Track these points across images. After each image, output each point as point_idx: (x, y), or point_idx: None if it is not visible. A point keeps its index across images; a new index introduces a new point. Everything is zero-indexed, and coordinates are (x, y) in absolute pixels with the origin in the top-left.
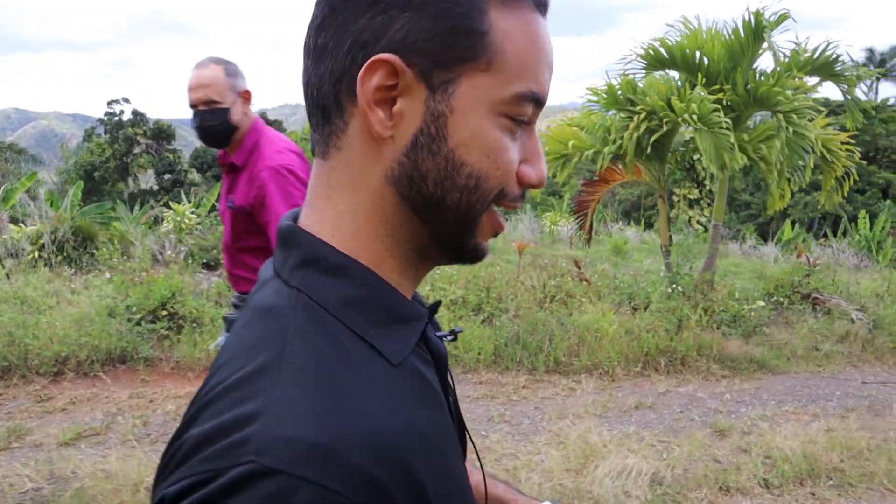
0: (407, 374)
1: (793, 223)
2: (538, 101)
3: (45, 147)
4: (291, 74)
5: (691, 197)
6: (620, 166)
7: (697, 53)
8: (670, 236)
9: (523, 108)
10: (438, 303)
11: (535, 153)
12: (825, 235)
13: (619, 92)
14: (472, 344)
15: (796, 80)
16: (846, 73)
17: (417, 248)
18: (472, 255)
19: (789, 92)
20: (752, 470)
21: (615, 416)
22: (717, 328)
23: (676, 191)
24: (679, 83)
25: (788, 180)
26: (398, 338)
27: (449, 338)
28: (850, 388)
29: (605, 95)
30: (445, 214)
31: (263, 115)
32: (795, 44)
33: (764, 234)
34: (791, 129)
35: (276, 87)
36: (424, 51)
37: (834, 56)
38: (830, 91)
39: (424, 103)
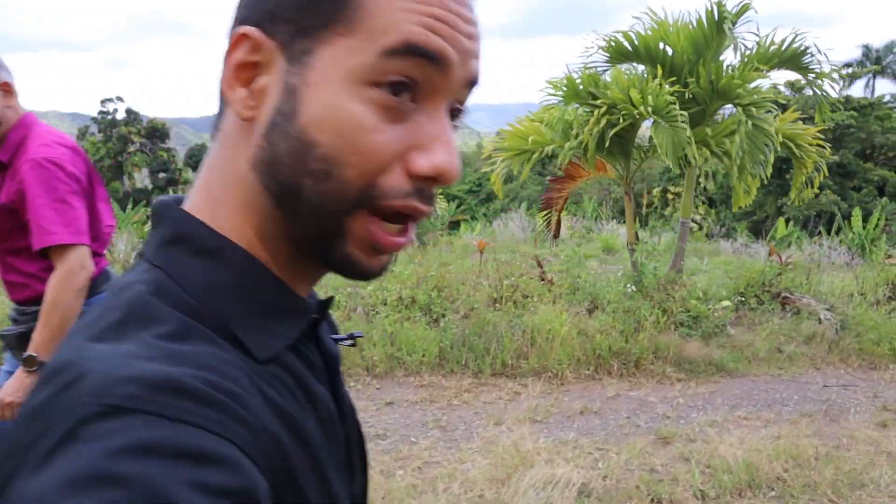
0: (274, 370)
1: (787, 221)
2: (426, 56)
3: None
4: None
5: None
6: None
7: (662, 45)
8: (636, 234)
9: (401, 66)
10: (331, 298)
11: (434, 137)
12: (820, 233)
13: (581, 85)
14: (415, 346)
15: (765, 72)
16: (814, 67)
17: (292, 244)
18: (342, 266)
19: (761, 84)
20: (689, 480)
21: (557, 422)
22: (676, 329)
23: (671, 188)
24: (645, 76)
25: (753, 176)
26: (270, 332)
27: (347, 342)
28: (810, 392)
29: (564, 88)
30: (300, 207)
31: None
32: (756, 35)
33: (759, 232)
34: (750, 123)
35: None
36: (288, 20)
37: (801, 48)
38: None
39: (282, 78)
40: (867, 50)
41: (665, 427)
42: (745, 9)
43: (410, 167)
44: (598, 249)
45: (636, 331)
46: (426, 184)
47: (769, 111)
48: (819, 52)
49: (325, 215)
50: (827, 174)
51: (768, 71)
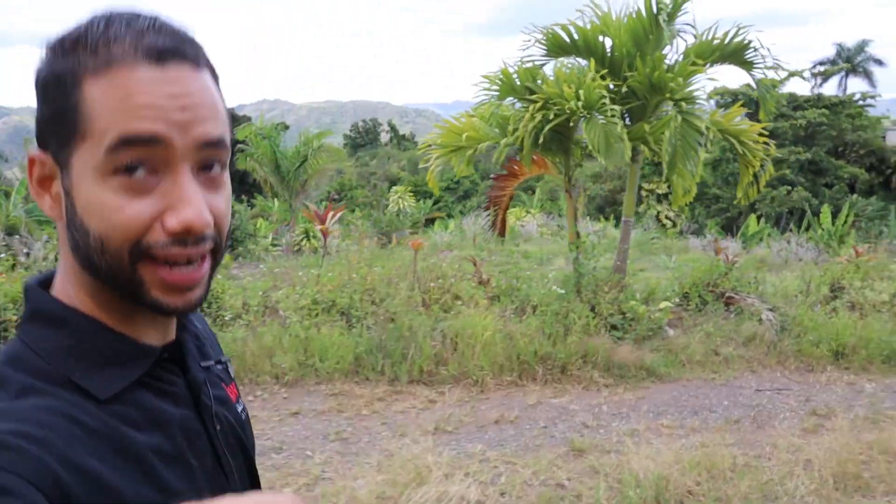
0: (118, 406)
1: (759, 217)
2: (139, 141)
3: (19, 143)
4: (269, 70)
5: (660, 192)
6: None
7: (601, 39)
8: (577, 233)
9: (124, 155)
10: (177, 341)
11: (179, 199)
12: (791, 230)
13: (517, 80)
14: (328, 352)
15: (704, 66)
16: (758, 62)
17: (120, 301)
18: (156, 308)
19: (697, 78)
20: (593, 496)
21: (467, 433)
22: (608, 332)
23: (645, 186)
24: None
25: (693, 174)
26: (109, 376)
27: (218, 367)
28: (741, 397)
29: (499, 82)
30: (101, 276)
31: (232, 113)
32: (693, 28)
33: (731, 229)
34: (680, 118)
35: (254, 82)
36: (50, 137)
37: (745, 42)
38: (797, 86)
39: (62, 183)
40: (840, 48)
41: (581, 438)
42: (682, 0)
43: (164, 225)
44: (567, 248)
45: (565, 334)
46: (183, 235)
47: (693, 103)
48: (762, 46)
49: (118, 276)
50: (773, 172)
51: (711, 65)
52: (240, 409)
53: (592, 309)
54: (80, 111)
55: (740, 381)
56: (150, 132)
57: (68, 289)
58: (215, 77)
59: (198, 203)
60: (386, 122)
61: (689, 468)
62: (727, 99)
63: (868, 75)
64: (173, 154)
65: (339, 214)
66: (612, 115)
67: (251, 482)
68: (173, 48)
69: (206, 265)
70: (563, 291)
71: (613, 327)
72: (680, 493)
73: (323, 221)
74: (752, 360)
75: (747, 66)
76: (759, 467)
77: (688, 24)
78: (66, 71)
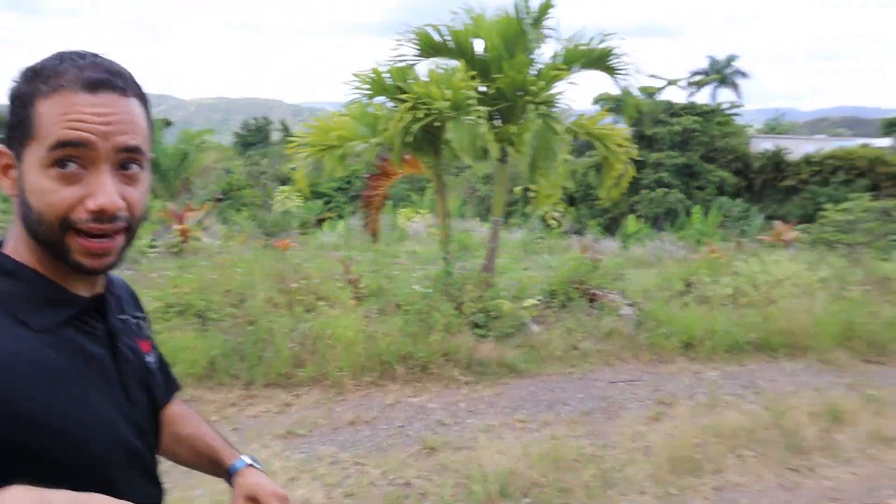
0: (49, 337)
1: (639, 217)
2: (70, 144)
3: None
4: (156, 63)
5: None
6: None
7: (473, 40)
8: (448, 233)
9: (58, 154)
10: (101, 295)
11: (97, 188)
12: (664, 229)
13: (389, 79)
14: (179, 356)
15: (570, 70)
16: (620, 68)
17: (58, 261)
18: (77, 268)
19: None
20: (438, 493)
21: (321, 436)
22: (472, 330)
23: (532, 187)
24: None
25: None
26: (44, 315)
27: (133, 322)
28: (595, 390)
29: (369, 81)
30: (40, 241)
31: None
32: (554, 31)
33: (612, 229)
34: (540, 120)
35: (139, 74)
36: (12, 137)
37: (608, 50)
38: (674, 94)
39: (18, 171)
40: (713, 61)
41: (435, 436)
42: (546, 7)
43: (86, 206)
44: (454, 248)
45: (427, 333)
46: (99, 214)
47: (552, 106)
48: (624, 54)
49: (51, 242)
50: (635, 174)
51: (578, 70)
52: (150, 360)
53: (458, 307)
54: (33, 121)
55: (596, 375)
56: (78, 138)
57: (19, 249)
58: (144, 102)
59: (111, 192)
60: (278, 120)
61: (537, 461)
62: (610, 104)
63: (735, 86)
64: (97, 155)
65: (199, 214)
66: (479, 116)
67: (155, 423)
68: (104, 80)
69: (120, 239)
70: (428, 290)
71: (476, 325)
72: (525, 486)
73: (180, 221)
74: (610, 353)
75: (610, 71)
76: (604, 456)
77: (551, 30)
78: (26, 92)
